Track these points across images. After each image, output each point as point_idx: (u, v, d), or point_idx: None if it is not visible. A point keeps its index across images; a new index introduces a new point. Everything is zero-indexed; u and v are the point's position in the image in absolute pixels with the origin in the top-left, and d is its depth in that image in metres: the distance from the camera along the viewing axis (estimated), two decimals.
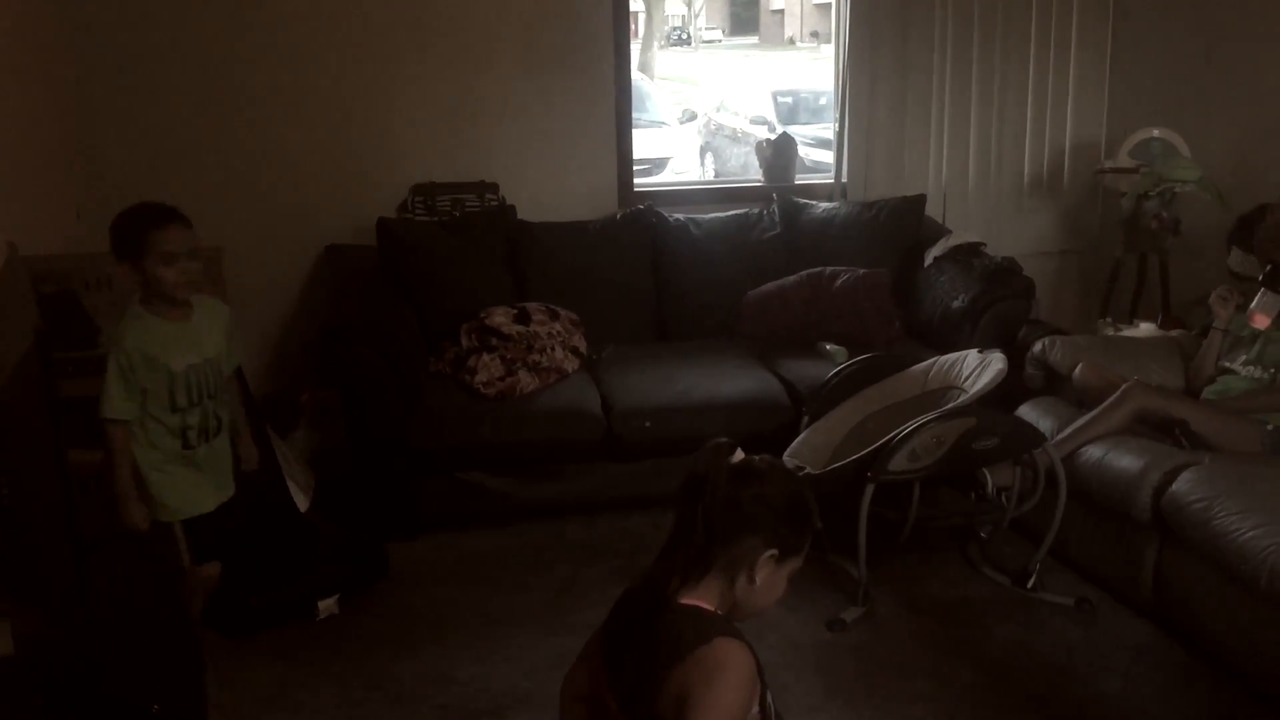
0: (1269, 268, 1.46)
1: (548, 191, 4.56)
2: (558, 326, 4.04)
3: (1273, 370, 3.34)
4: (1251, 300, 3.29)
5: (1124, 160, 4.49)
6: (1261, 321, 1.50)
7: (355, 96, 4.35)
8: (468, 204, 4.42)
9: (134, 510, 2.57)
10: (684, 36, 22.54)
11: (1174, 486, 2.98)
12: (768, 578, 1.77)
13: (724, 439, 1.91)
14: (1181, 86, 4.56)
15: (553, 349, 3.92)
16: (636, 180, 4.89)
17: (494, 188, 4.45)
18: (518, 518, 3.79)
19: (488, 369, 3.80)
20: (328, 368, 3.71)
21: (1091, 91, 4.87)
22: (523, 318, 4.01)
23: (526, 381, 3.80)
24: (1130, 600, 3.18)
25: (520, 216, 4.40)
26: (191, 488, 2.67)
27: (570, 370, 3.95)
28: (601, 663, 1.82)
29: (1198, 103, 4.48)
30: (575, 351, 4.03)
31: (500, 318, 3.97)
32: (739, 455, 1.81)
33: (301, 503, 3.56)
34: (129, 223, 2.54)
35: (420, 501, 3.72)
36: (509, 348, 3.86)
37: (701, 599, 1.76)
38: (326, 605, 3.23)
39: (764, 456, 1.86)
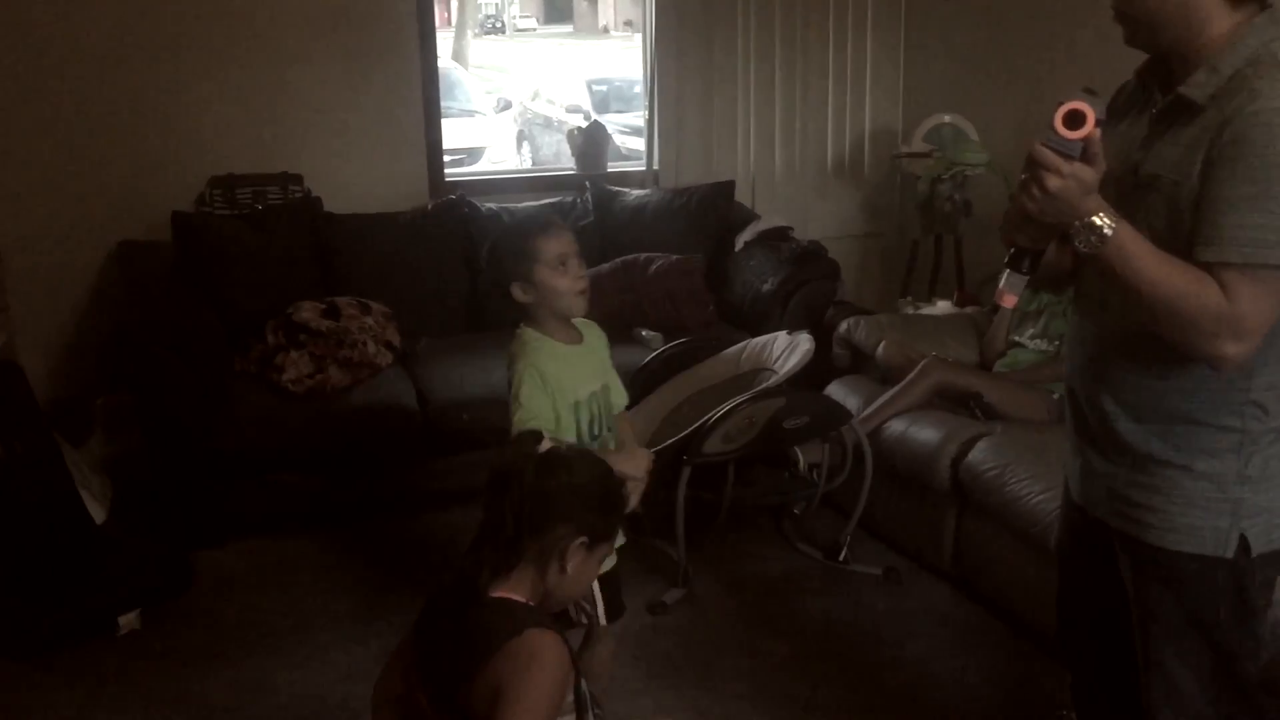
0: (1011, 250, 1.59)
1: (355, 183, 4.44)
2: (369, 320, 3.94)
3: (1056, 343, 3.55)
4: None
5: (919, 145, 4.69)
6: (1009, 300, 1.61)
7: (147, 85, 4.14)
8: (270, 196, 4.27)
9: None
10: (498, 25, 22.34)
11: (970, 456, 3.14)
12: (579, 565, 1.77)
13: (530, 429, 1.90)
14: (969, 73, 4.78)
15: (365, 343, 3.83)
16: (450, 170, 4.82)
17: (298, 179, 4.31)
18: (333, 518, 3.70)
19: (296, 366, 3.69)
20: (123, 371, 3.53)
21: (887, 79, 5.06)
22: (332, 312, 3.90)
23: (338, 377, 3.70)
24: (933, 566, 3.33)
25: (327, 209, 4.28)
26: None
27: (384, 364, 3.87)
28: (414, 661, 1.79)
29: (984, 89, 4.70)
30: (388, 345, 3.94)
31: (308, 313, 3.85)
32: (546, 444, 1.81)
33: (98, 514, 3.38)
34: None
35: (228, 506, 3.58)
36: (318, 343, 3.75)
37: (513, 591, 1.75)
38: (128, 620, 3.08)
39: (570, 445, 1.86)
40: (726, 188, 4.67)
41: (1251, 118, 1.53)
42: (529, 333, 2.33)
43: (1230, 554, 1.69)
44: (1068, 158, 1.52)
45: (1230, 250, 1.54)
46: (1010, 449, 3.08)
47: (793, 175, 5.04)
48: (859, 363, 3.90)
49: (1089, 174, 1.52)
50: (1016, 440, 3.14)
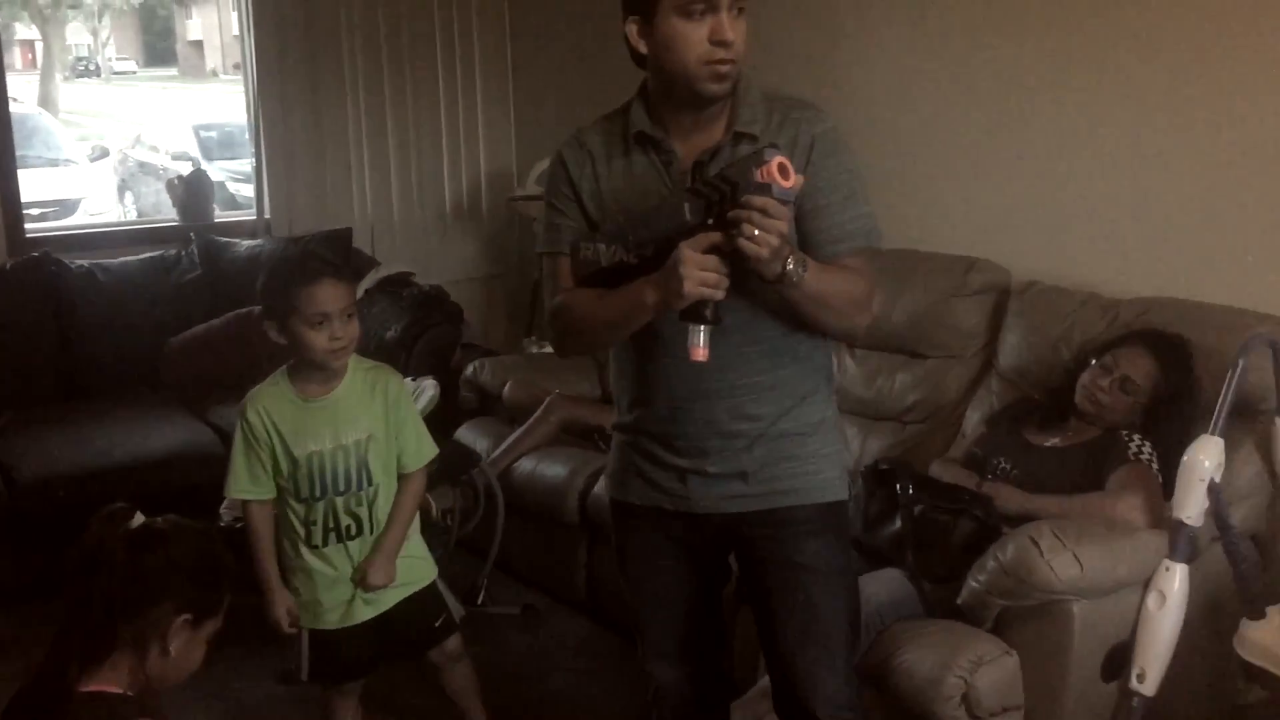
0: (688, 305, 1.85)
1: None
2: None
3: None
4: None
5: (532, 188, 4.79)
6: (703, 354, 1.75)
7: None
8: None
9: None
10: (92, 67, 20.73)
11: (596, 488, 3.23)
12: (183, 646, 1.65)
13: (119, 505, 1.76)
14: (578, 114, 4.94)
15: None
16: (35, 225, 4.39)
17: None
18: None
19: None
20: None
21: (499, 122, 5.15)
22: None
23: None
24: (569, 600, 3.40)
25: None
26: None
27: None
28: None
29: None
30: None
31: None
32: (138, 520, 1.67)
33: None
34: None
35: None
36: None
37: (107, 683, 1.60)
38: None
39: (167, 517, 1.74)
40: (343, 234, 4.56)
41: (825, 136, 1.87)
42: (273, 378, 2.38)
43: (846, 495, 2.02)
44: (785, 204, 1.66)
45: (859, 239, 1.89)
46: None
47: (412, 220, 5.00)
48: (488, 404, 3.92)
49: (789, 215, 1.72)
50: None
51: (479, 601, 3.38)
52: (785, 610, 1.97)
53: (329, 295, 2.30)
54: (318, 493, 2.35)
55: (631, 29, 1.87)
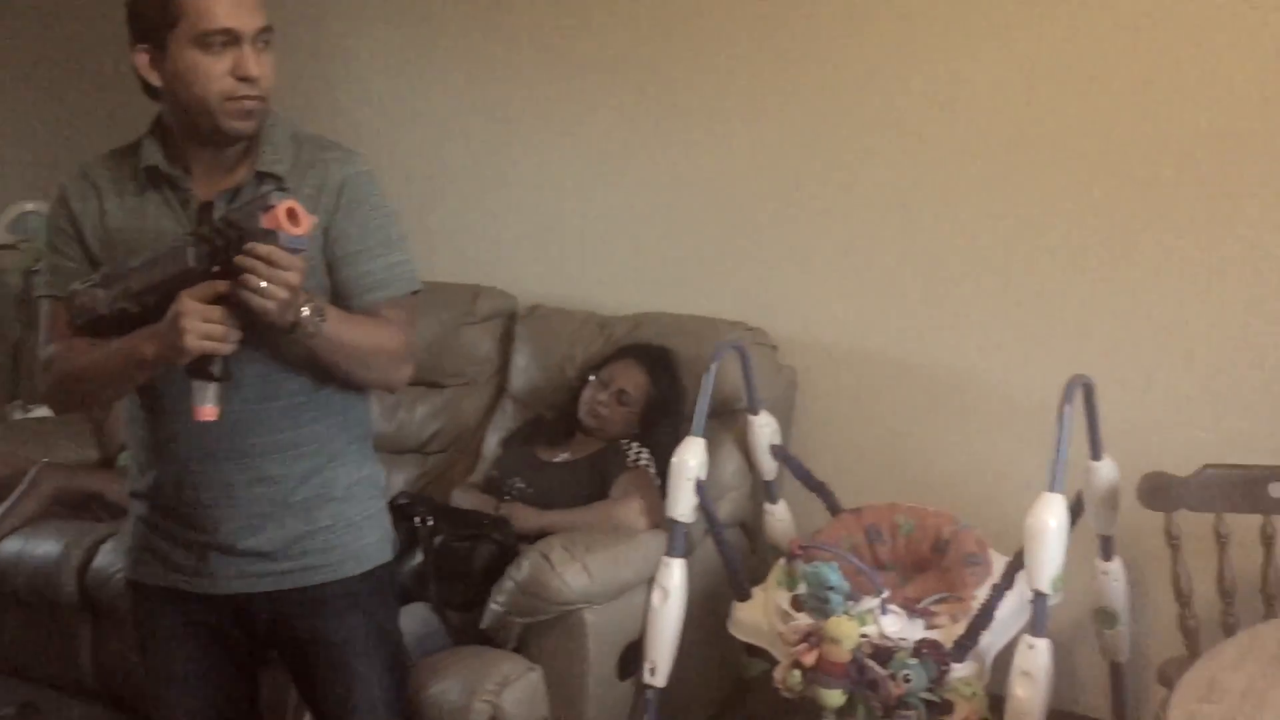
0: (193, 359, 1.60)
1: None
2: None
3: None
4: None
5: (4, 237, 4.31)
6: (212, 413, 1.56)
7: None
8: None
9: None
10: None
11: (95, 561, 2.93)
12: None
13: None
14: (47, 157, 4.50)
15: None
16: None
17: None
18: None
19: None
20: None
21: None
22: None
23: None
24: (77, 689, 3.06)
25: None
26: None
27: None
28: None
29: (67, 172, 4.45)
30: None
31: None
32: None
33: None
34: None
35: None
36: None
37: None
38: None
39: None
40: None
41: (357, 179, 1.76)
42: None
43: (389, 555, 1.90)
44: (296, 252, 1.52)
45: (394, 287, 1.77)
46: None
47: None
48: None
49: (304, 264, 1.57)
50: None
51: None
52: (327, 693, 1.86)
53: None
54: None
55: (141, 59, 1.68)
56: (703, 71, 3.05)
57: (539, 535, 2.56)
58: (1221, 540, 2.26)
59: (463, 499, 2.83)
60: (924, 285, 2.84)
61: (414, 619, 2.47)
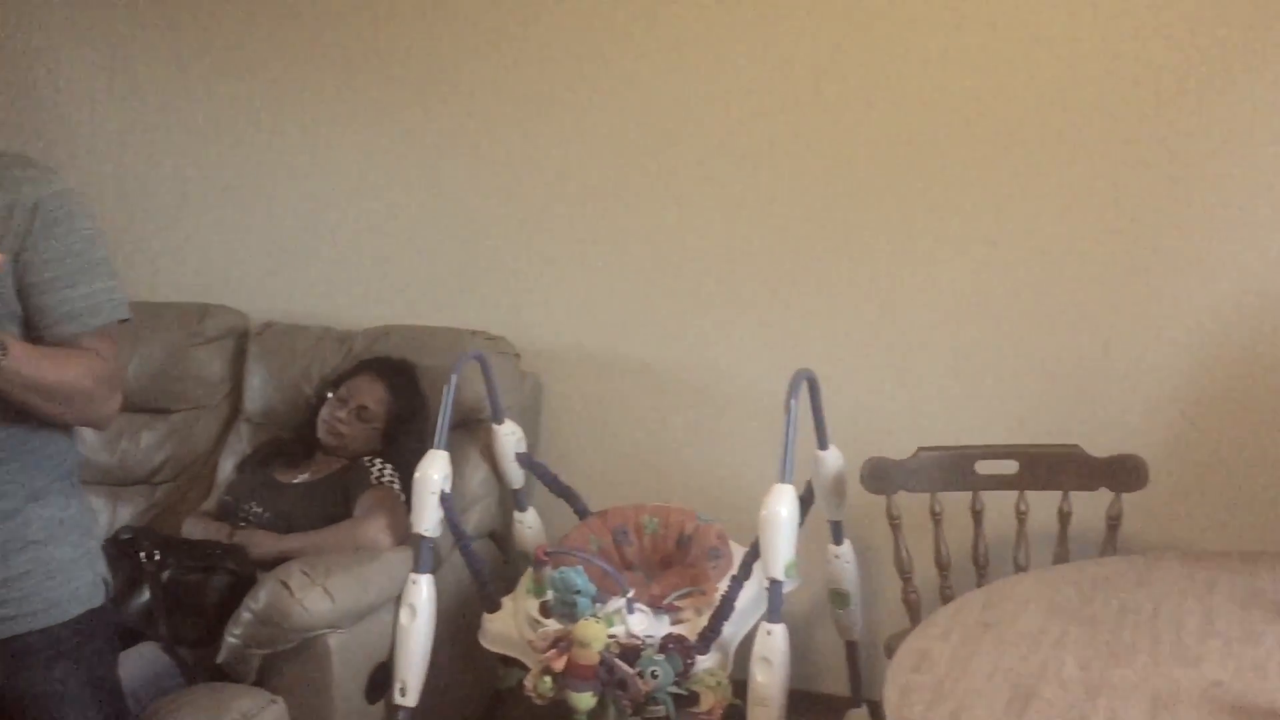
0: None
1: None
2: None
3: None
4: None
5: None
6: None
7: None
8: None
9: None
10: None
11: None
12: None
13: None
14: None
15: None
16: None
17: None
18: None
19: None
20: None
21: None
22: None
23: None
24: None
25: None
26: None
27: None
28: None
29: None
30: None
31: None
32: None
33: None
34: None
35: None
36: None
37: None
38: None
39: None
40: None
41: (52, 200, 1.63)
42: None
43: (101, 599, 1.75)
44: None
45: (96, 317, 1.66)
46: None
47: None
48: None
49: None
50: None
51: None
52: None
53: None
54: None
55: None
56: (435, 82, 3.01)
57: (278, 561, 2.46)
58: (936, 517, 2.42)
59: (194, 528, 2.69)
60: (662, 289, 2.91)
61: (142, 660, 2.33)
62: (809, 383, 2.38)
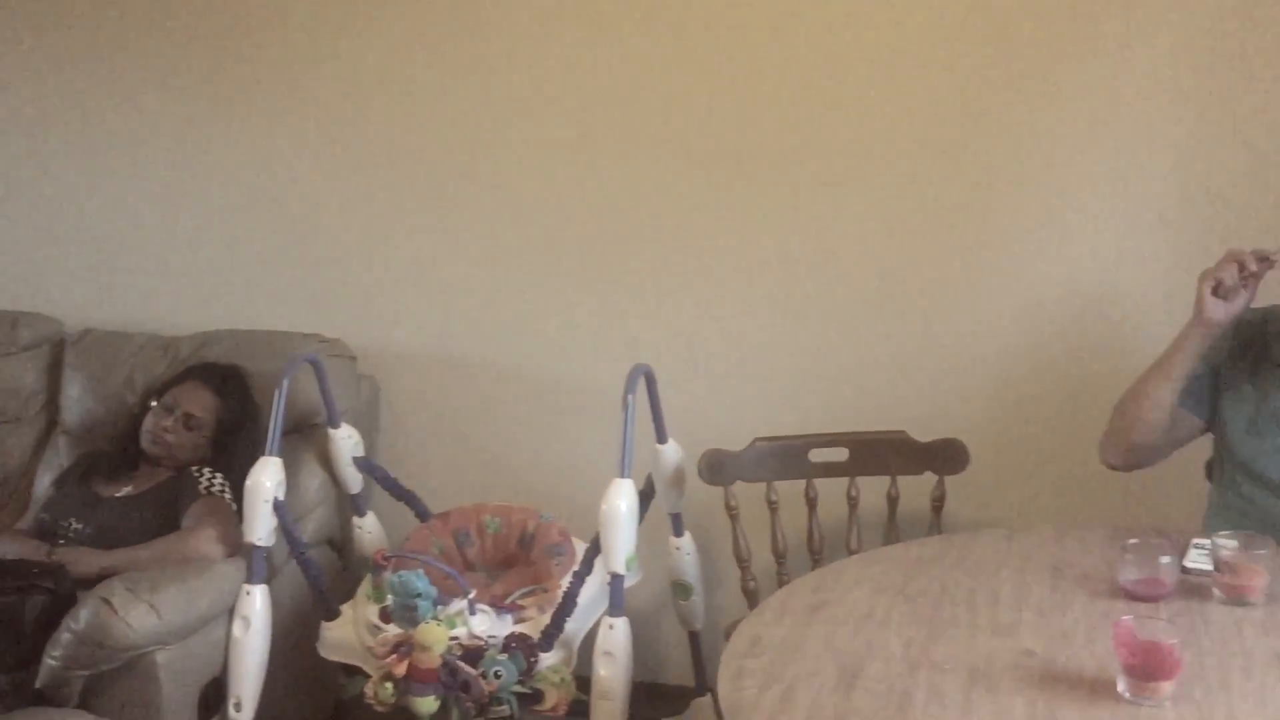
0: None
1: None
2: None
3: None
4: None
5: None
6: None
7: None
8: None
9: None
10: None
11: None
12: None
13: None
14: None
15: None
16: None
17: None
18: None
19: None
20: None
21: None
22: None
23: None
24: None
25: None
26: None
27: None
28: None
29: None
30: None
31: None
32: None
33: None
34: None
35: None
36: None
37: None
38: None
39: None
40: None
41: None
42: None
43: None
44: None
45: None
46: None
47: None
48: None
49: None
50: None
51: None
52: None
53: None
54: None
55: None
56: (261, 80, 2.93)
57: (101, 578, 2.35)
58: (772, 506, 2.48)
59: (9, 548, 2.54)
60: (498, 287, 2.89)
61: None
62: (646, 377, 2.41)
